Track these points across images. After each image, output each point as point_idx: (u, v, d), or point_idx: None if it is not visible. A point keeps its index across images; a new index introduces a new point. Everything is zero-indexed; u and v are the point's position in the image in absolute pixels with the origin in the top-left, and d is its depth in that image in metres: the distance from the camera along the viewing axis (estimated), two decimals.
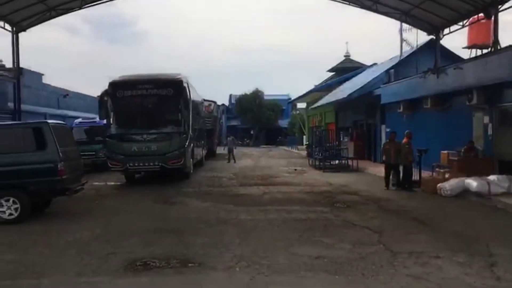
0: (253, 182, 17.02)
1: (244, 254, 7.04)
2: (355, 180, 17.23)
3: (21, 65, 21.68)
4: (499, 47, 15.74)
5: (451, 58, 22.75)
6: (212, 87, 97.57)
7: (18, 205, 9.90)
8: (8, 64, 23.47)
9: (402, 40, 24.50)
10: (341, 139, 27.69)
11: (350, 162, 22.31)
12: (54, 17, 20.27)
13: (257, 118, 59.44)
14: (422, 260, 6.63)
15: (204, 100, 27.63)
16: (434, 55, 19.60)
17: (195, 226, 9.29)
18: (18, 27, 20.13)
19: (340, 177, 18.42)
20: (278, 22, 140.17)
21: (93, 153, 20.50)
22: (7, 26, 19.76)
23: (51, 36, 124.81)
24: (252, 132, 62.17)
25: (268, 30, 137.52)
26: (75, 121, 24.60)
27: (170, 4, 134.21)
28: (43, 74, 29.73)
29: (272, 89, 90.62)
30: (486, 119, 15.02)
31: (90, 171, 17.98)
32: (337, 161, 22.76)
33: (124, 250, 7.42)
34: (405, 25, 22.82)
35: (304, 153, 32.29)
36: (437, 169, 14.96)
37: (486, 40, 20.63)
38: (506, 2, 15.30)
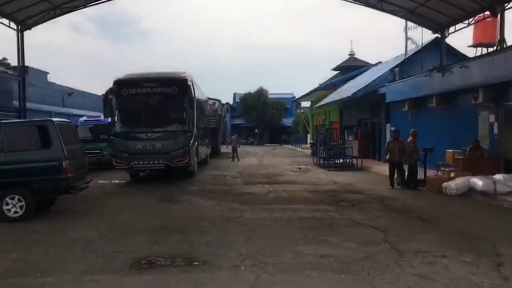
0: (257, 180, 17.00)
1: (249, 252, 7.02)
2: (359, 179, 17.19)
3: (26, 64, 21.76)
4: (505, 46, 15.66)
5: (456, 56, 22.64)
6: (217, 85, 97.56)
7: (23, 203, 9.92)
8: (13, 62, 23.52)
9: (407, 38, 24.36)
10: (346, 137, 27.65)
11: (354, 161, 22.25)
12: (59, 15, 20.27)
13: (261, 116, 59.48)
14: (428, 260, 6.58)
15: (209, 98, 27.64)
16: (439, 54, 19.47)
17: (200, 224, 9.28)
18: (23, 25, 20.15)
19: (344, 176, 18.39)
20: (283, 21, 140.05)
21: (98, 151, 20.56)
22: (12, 25, 19.79)
23: (56, 34, 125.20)
24: (256, 131, 62.17)
25: (272, 28, 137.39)
26: (80, 119, 24.64)
27: (175, 2, 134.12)
28: (48, 73, 29.83)
29: (277, 88, 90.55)
30: (492, 118, 14.96)
31: (95, 169, 18.02)
32: (341, 160, 22.72)
33: (129, 249, 7.41)
34: (410, 24, 22.67)
35: (308, 151, 32.27)
36: (442, 168, 14.90)
37: (492, 39, 20.53)
38: None
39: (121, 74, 17.28)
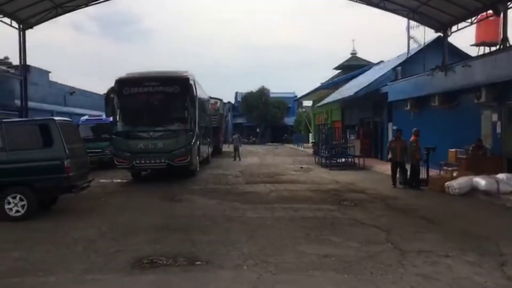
0: (259, 180, 16.98)
1: (251, 252, 7.00)
2: (362, 178, 17.15)
3: (27, 63, 21.77)
4: (508, 44, 15.62)
5: (458, 55, 22.57)
6: (218, 84, 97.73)
7: (24, 202, 9.91)
8: (15, 61, 23.51)
9: (409, 37, 24.30)
10: (348, 137, 27.60)
11: (356, 160, 22.21)
12: (61, 14, 20.29)
13: (263, 116, 59.45)
14: (431, 259, 6.55)
15: (210, 97, 27.61)
16: (441, 53, 19.46)
17: (202, 223, 9.26)
18: (25, 24, 20.17)
19: (346, 175, 18.36)
20: (284, 20, 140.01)
21: (100, 150, 20.54)
22: (14, 24, 19.81)
23: (57, 34, 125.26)
24: (258, 130, 62.16)
25: (273, 28, 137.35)
26: (82, 118, 24.64)
27: (176, 2, 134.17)
28: (50, 72, 29.78)
29: (278, 87, 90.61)
30: (495, 117, 14.90)
31: (96, 168, 18.02)
32: (343, 159, 22.68)
33: (131, 248, 7.39)
34: (412, 23, 22.63)
35: (310, 151, 32.22)
36: (445, 167, 14.85)
37: (495, 38, 20.47)
38: None
39: (122, 73, 17.28)
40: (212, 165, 23.63)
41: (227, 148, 34.36)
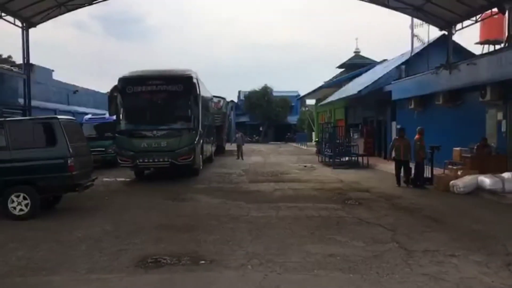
0: (263, 178, 16.94)
1: (256, 251, 6.95)
2: (366, 177, 17.09)
3: (31, 61, 21.77)
4: None
5: (462, 54, 22.47)
6: (221, 83, 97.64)
7: (28, 201, 9.89)
8: (18, 60, 23.54)
9: (413, 35, 24.20)
10: (351, 135, 27.53)
11: (360, 159, 22.15)
12: (64, 13, 20.28)
13: (266, 114, 59.39)
14: (438, 259, 6.50)
15: (214, 96, 27.57)
16: (445, 51, 19.36)
17: (206, 222, 9.22)
18: (29, 23, 20.17)
19: (350, 174, 18.30)
20: (288, 19, 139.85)
21: (103, 149, 20.54)
22: (17, 22, 19.81)
23: (61, 32, 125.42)
24: (261, 129, 62.07)
25: (277, 26, 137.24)
26: (85, 117, 24.66)
27: (178, 1, 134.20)
28: (53, 70, 29.80)
29: (281, 86, 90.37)
30: (500, 116, 14.82)
31: (100, 167, 17.97)
32: (347, 158, 22.62)
33: (135, 247, 7.36)
34: (416, 21, 22.54)
35: (314, 149, 32.17)
36: (449, 166, 14.77)
37: (499, 36, 20.42)
38: None
39: (124, 71, 17.26)
40: (215, 164, 23.60)
41: (230, 146, 34.32)
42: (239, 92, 68.91)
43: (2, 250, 7.39)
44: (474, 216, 10.03)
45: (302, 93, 54.91)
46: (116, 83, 16.67)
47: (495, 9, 16.93)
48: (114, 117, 17.34)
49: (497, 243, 7.44)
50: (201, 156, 18.08)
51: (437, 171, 14.68)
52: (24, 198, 9.88)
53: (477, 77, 15.06)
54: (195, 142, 16.54)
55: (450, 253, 6.77)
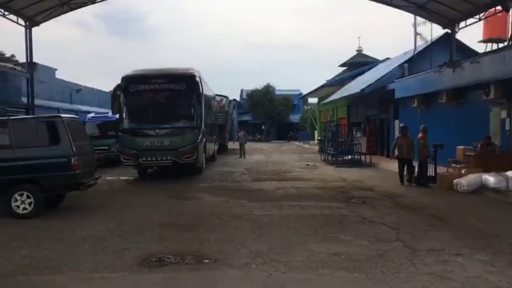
0: (266, 177, 16.92)
1: (260, 250, 6.93)
2: (368, 176, 17.06)
3: (34, 60, 21.78)
4: None
5: (465, 52, 22.40)
6: (224, 82, 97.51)
7: (32, 200, 9.89)
8: (22, 59, 23.56)
9: (416, 34, 24.14)
10: (354, 134, 27.49)
11: (362, 157, 22.11)
12: (67, 11, 20.26)
13: (269, 113, 59.30)
14: (443, 258, 6.46)
15: (216, 95, 27.55)
16: (448, 49, 19.29)
17: (209, 221, 9.20)
18: (32, 21, 20.17)
19: (353, 173, 18.27)
20: (290, 17, 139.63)
21: (106, 147, 20.54)
22: (21, 21, 19.81)
23: (64, 31, 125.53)
24: (263, 127, 62.02)
25: (280, 25, 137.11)
26: (88, 115, 24.65)
27: (180, 0, 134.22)
28: (56, 69, 29.84)
29: (284, 85, 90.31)
30: (504, 114, 14.76)
31: (103, 165, 17.98)
32: (349, 157, 22.57)
33: (138, 246, 7.35)
34: (419, 19, 22.48)
35: (316, 148, 32.13)
36: (453, 164, 14.73)
37: (502, 34, 20.33)
38: None
39: (127, 70, 17.21)
40: (218, 162, 23.58)
41: (232, 145, 34.31)
42: (242, 90, 68.85)
43: (6, 248, 7.39)
44: (478, 214, 9.99)
45: (304, 92, 54.87)
46: (119, 81, 16.66)
47: (498, 7, 16.84)
48: (117, 115, 17.33)
49: (502, 241, 7.41)
50: (204, 154, 18.05)
51: (441, 169, 14.65)
52: (28, 197, 9.89)
53: (480, 75, 15.01)
54: (198, 140, 16.52)
55: (455, 252, 6.73)
